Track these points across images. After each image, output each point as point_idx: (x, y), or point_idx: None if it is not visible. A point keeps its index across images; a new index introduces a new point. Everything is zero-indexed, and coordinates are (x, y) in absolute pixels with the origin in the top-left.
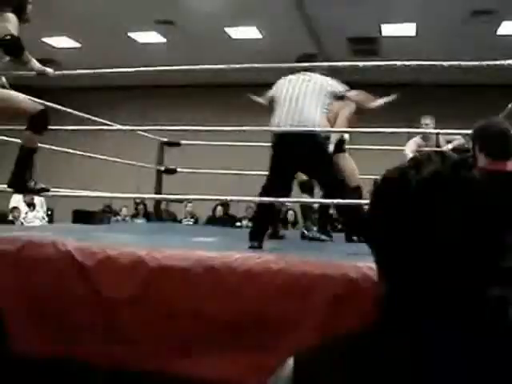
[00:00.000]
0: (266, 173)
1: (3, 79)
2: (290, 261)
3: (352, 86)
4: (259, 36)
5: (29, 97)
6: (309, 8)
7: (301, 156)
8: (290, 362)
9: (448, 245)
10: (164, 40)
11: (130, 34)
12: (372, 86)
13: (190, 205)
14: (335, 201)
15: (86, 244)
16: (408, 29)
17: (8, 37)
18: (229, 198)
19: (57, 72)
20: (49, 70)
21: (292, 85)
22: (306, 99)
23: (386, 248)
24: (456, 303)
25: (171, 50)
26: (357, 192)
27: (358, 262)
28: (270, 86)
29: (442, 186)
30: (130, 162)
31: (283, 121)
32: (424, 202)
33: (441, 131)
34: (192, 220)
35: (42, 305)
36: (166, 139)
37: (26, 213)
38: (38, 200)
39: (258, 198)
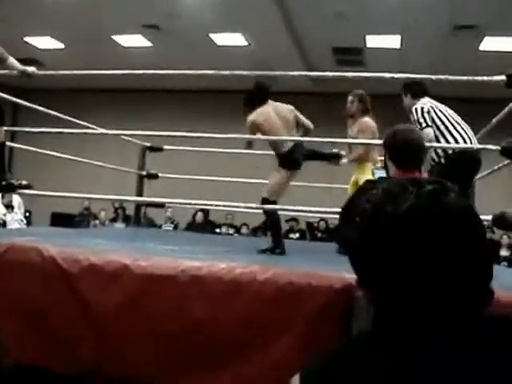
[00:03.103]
0: (249, 180)
1: None
2: (276, 271)
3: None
4: (245, 43)
5: None
6: (295, 17)
7: None
8: (296, 378)
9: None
10: (150, 44)
11: (113, 37)
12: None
13: (169, 210)
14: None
15: (70, 250)
16: (393, 41)
17: None
18: (214, 202)
19: (39, 72)
20: (30, 68)
21: None
22: None
23: (373, 271)
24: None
25: (156, 54)
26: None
27: (345, 272)
28: None
29: (420, 219)
30: (111, 166)
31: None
32: (406, 234)
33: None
34: (172, 225)
35: (26, 312)
36: (148, 144)
37: (5, 214)
38: (16, 202)
39: (242, 205)
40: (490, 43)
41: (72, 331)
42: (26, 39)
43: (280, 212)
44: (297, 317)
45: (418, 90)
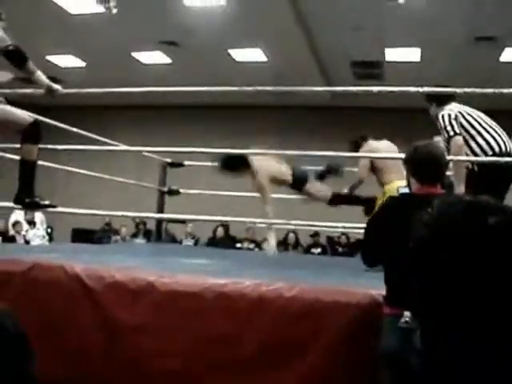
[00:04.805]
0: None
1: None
2: (302, 287)
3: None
4: (264, 59)
5: (25, 111)
6: (314, 31)
7: None
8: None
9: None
10: (169, 61)
11: (133, 54)
12: (372, 110)
13: (190, 225)
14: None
15: (95, 267)
16: (412, 54)
17: (11, 47)
18: (234, 219)
19: (64, 90)
20: (56, 85)
21: None
22: None
23: (421, 290)
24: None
25: (175, 70)
26: None
27: (371, 289)
28: (272, 108)
29: (485, 249)
30: (132, 181)
31: None
32: (468, 260)
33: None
34: (192, 241)
35: (50, 328)
36: (169, 160)
37: (27, 230)
38: (38, 218)
39: (259, 220)
40: (511, 54)
41: (96, 348)
42: (48, 58)
43: (302, 228)
44: (323, 333)
45: (442, 97)
